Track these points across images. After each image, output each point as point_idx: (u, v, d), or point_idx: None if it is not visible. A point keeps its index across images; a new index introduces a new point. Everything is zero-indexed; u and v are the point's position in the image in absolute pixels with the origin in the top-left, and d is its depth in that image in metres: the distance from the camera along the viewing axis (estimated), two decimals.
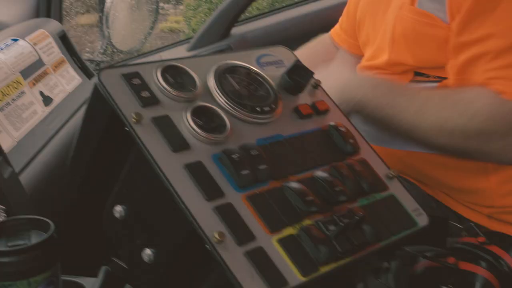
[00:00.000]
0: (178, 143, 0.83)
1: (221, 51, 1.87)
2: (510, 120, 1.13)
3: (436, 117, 1.17)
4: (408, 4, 1.27)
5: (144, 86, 0.86)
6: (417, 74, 1.30)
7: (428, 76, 1.28)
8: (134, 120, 0.82)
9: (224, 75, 0.94)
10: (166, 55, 1.92)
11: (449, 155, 1.24)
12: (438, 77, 1.26)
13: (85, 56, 2.03)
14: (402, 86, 1.26)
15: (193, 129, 0.85)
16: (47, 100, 1.36)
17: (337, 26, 1.66)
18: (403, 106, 1.19)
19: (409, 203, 0.98)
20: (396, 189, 0.99)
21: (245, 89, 0.95)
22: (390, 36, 1.30)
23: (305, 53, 1.67)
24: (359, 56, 1.57)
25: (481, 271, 0.99)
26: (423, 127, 1.17)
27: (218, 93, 0.91)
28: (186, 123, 0.85)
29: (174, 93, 0.87)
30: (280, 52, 1.05)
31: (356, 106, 1.19)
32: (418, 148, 1.25)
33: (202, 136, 0.85)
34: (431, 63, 1.27)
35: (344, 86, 1.21)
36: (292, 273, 0.80)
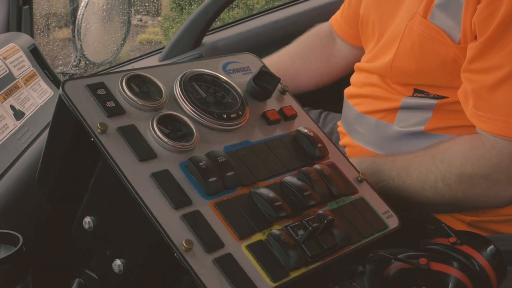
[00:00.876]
0: (144, 152, 0.83)
1: (193, 60, 1.87)
2: (490, 159, 1.13)
3: (418, 172, 1.18)
4: (420, 15, 1.23)
5: (109, 96, 0.86)
6: (417, 91, 1.29)
7: (428, 94, 1.28)
8: (99, 130, 0.81)
9: (190, 83, 0.94)
10: (138, 65, 1.91)
11: (444, 210, 1.26)
12: (438, 95, 1.26)
13: (58, 69, 2.02)
14: (384, 158, 1.26)
15: (159, 137, 0.85)
16: (18, 114, 1.35)
17: (337, 15, 1.63)
18: (386, 171, 1.20)
19: (379, 206, 0.99)
20: (366, 192, 1.00)
21: (211, 96, 0.95)
22: (397, 45, 1.28)
23: (299, 47, 1.67)
24: (357, 47, 1.56)
25: (453, 271, 1.00)
26: (408, 184, 1.18)
27: (184, 101, 0.91)
28: (152, 132, 0.85)
29: (139, 103, 0.87)
30: (246, 59, 1.06)
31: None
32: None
33: (168, 144, 0.85)
34: (433, 80, 1.26)
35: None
36: (262, 279, 0.79)
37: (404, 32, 1.26)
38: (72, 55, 2.04)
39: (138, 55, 2.07)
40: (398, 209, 1.01)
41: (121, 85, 0.87)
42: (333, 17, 1.63)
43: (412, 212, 1.23)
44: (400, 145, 1.31)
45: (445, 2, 1.18)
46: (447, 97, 1.25)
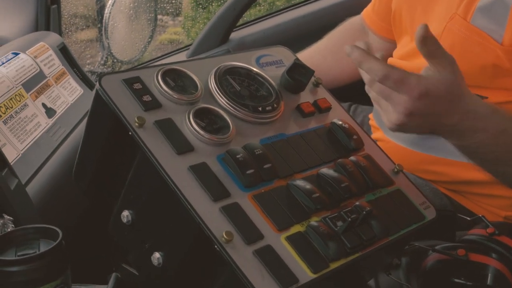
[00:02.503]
0: (182, 146, 0.83)
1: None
2: None
3: None
4: (460, 16, 1.20)
5: (146, 90, 0.86)
6: None
7: None
8: (137, 124, 0.82)
9: (224, 76, 0.94)
10: (166, 62, 1.92)
11: None
12: (477, 95, 1.24)
13: (86, 68, 2.03)
14: None
15: (196, 131, 0.85)
16: (50, 111, 1.36)
17: (369, 8, 1.60)
18: None
19: (416, 197, 0.98)
20: (402, 183, 0.99)
21: (246, 89, 0.95)
22: None
23: (331, 42, 1.64)
24: (390, 41, 1.53)
25: (493, 262, 0.99)
26: None
27: (219, 95, 0.91)
28: (189, 125, 0.85)
29: (175, 96, 0.87)
30: (279, 52, 1.05)
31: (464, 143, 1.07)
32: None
33: (205, 137, 0.85)
34: (472, 81, 1.20)
35: (462, 130, 1.05)
36: (302, 270, 0.79)
37: (442, 34, 1.23)
38: (99, 53, 2.05)
39: (160, 54, 2.08)
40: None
41: (157, 79, 0.88)
42: (364, 10, 1.62)
43: None
44: (434, 143, 1.30)
45: (489, 5, 1.16)
46: (487, 97, 1.23)
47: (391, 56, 1.47)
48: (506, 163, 1.08)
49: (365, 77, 1.05)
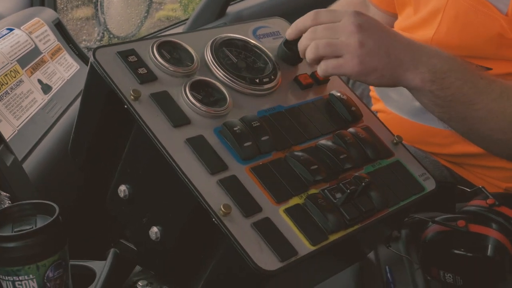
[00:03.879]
0: (178, 118, 0.82)
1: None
2: None
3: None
4: None
5: (141, 62, 0.85)
6: None
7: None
8: (132, 97, 0.81)
9: (221, 48, 0.93)
10: None
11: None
12: (481, 66, 1.21)
13: (82, 44, 2.01)
14: (478, 69, 1.08)
15: (192, 103, 0.84)
16: (46, 87, 1.35)
17: None
18: (483, 89, 1.02)
19: (416, 168, 0.97)
20: (402, 155, 0.98)
21: (243, 61, 0.94)
22: (440, 16, 1.23)
23: None
24: (391, 14, 1.51)
25: (492, 233, 0.98)
26: (502, 116, 1.03)
27: (216, 67, 0.90)
28: (185, 98, 0.84)
29: (171, 69, 0.86)
30: (276, 24, 1.04)
31: (426, 74, 0.98)
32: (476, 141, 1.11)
33: (202, 110, 0.84)
34: (476, 52, 1.20)
35: (417, 47, 1.01)
36: (301, 242, 0.79)
37: (447, 4, 1.21)
38: (95, 30, 2.03)
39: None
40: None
41: (152, 52, 0.86)
42: None
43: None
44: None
45: None
46: (491, 69, 1.21)
47: (392, 27, 1.45)
48: (472, 102, 1.02)
49: (309, 54, 0.96)
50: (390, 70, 0.97)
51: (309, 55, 0.95)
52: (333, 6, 1.63)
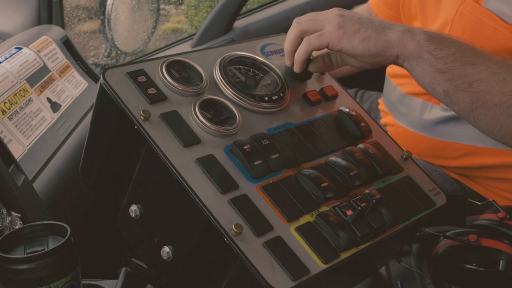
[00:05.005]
0: (188, 138, 0.82)
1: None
2: None
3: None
4: (472, 0, 1.18)
5: (150, 83, 0.85)
6: None
7: None
8: (142, 117, 0.81)
9: (229, 66, 0.93)
10: (170, 53, 1.91)
11: None
12: None
13: (90, 60, 2.02)
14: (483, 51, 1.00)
15: (202, 123, 0.84)
16: (55, 106, 1.35)
17: None
18: (483, 54, 0.96)
19: (426, 183, 0.97)
20: (412, 170, 0.98)
21: (251, 79, 0.94)
22: (447, 31, 1.22)
23: None
24: None
25: (504, 247, 0.98)
26: (510, 78, 0.93)
27: (224, 85, 0.90)
28: (195, 117, 0.84)
29: (180, 88, 0.86)
30: (283, 40, 1.04)
31: (421, 36, 0.93)
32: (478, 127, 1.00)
33: (212, 129, 0.84)
34: None
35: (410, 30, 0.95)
36: (313, 260, 0.79)
37: (454, 18, 1.22)
38: (102, 45, 2.04)
39: (163, 45, 2.06)
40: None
41: (161, 72, 0.87)
42: None
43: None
44: (445, 128, 1.28)
45: None
46: None
47: None
48: (475, 63, 0.94)
49: (292, 33, 0.96)
50: (376, 31, 0.92)
51: (293, 34, 0.95)
52: None
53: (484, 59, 0.94)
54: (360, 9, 1.64)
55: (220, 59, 0.93)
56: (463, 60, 0.93)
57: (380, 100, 1.52)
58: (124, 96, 0.82)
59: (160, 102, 0.84)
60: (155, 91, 0.85)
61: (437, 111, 1.30)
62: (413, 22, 1.39)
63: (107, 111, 0.85)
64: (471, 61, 0.94)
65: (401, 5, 1.43)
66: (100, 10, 1.92)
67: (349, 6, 1.63)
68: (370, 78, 1.61)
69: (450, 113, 1.28)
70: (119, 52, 1.92)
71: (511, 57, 0.97)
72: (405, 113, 1.37)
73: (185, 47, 1.91)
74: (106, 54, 1.96)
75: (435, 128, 1.29)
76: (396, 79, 1.41)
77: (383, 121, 1.46)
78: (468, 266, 0.98)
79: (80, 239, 0.86)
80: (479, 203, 1.10)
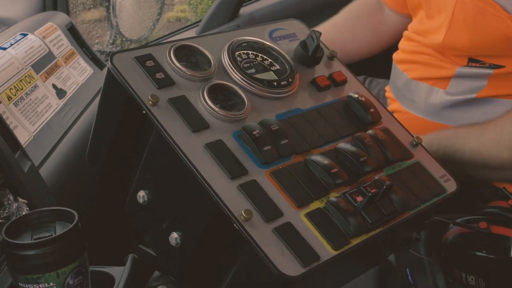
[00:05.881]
0: (197, 123, 0.81)
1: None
2: None
3: (493, 132, 1.13)
4: None
5: (158, 67, 0.84)
6: (472, 60, 1.24)
7: (483, 63, 1.23)
8: (150, 102, 0.80)
9: (237, 51, 0.92)
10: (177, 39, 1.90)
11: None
12: (494, 64, 1.21)
13: (95, 48, 2.01)
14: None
15: (211, 107, 0.83)
16: (60, 92, 1.34)
17: None
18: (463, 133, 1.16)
19: (436, 170, 0.96)
20: (422, 156, 0.97)
21: (260, 64, 0.93)
22: (449, 19, 1.23)
23: (346, 16, 1.62)
24: (405, 15, 1.51)
25: None
26: (483, 145, 1.13)
27: (233, 70, 0.89)
28: (204, 102, 0.83)
29: (189, 73, 0.85)
30: (292, 25, 1.03)
31: None
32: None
33: (220, 114, 0.83)
34: (488, 52, 1.21)
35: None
36: (323, 247, 0.78)
37: (455, 6, 1.21)
38: (107, 33, 2.03)
39: (167, 33, 2.05)
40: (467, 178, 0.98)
41: (170, 56, 0.86)
42: None
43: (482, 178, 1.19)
44: (451, 112, 1.28)
45: None
46: (504, 66, 1.20)
47: (406, 29, 1.45)
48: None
49: None
50: None
51: None
52: (348, 8, 1.63)
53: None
54: None
55: (228, 44, 0.92)
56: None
57: (387, 88, 1.51)
58: (132, 80, 0.81)
59: (168, 87, 0.83)
60: (163, 76, 0.84)
61: (443, 96, 1.29)
62: (418, 10, 1.39)
63: (114, 96, 0.84)
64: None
65: None
66: None
67: None
68: (378, 66, 1.60)
69: (456, 97, 1.27)
70: (124, 39, 1.91)
71: None
72: (411, 98, 1.36)
73: (191, 33, 1.90)
74: (111, 41, 1.95)
75: (441, 113, 1.29)
76: (403, 65, 1.40)
77: (390, 108, 1.45)
78: (478, 253, 0.97)
79: (86, 226, 0.85)
80: (489, 190, 1.09)
